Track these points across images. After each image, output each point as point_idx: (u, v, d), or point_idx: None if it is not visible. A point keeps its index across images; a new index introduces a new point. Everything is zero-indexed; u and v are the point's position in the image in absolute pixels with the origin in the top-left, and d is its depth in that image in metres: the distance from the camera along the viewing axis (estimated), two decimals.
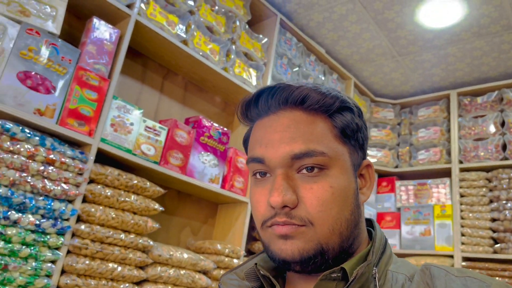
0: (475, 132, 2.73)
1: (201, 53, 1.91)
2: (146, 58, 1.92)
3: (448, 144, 2.83)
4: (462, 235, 2.56)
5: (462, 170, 2.70)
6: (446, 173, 2.78)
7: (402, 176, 3.04)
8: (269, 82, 2.21)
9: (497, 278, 2.34)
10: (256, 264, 0.63)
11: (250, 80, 2.13)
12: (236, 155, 2.00)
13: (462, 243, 2.53)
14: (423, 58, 2.67)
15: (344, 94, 0.63)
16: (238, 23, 2.13)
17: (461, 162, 2.71)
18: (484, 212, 2.53)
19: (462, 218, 2.60)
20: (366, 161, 0.63)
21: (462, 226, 2.58)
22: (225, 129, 1.99)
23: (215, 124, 1.95)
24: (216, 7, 2.05)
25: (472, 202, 2.59)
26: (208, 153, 1.88)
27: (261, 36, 2.26)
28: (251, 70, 2.16)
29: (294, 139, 0.56)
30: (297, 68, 2.46)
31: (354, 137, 0.60)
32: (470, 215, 2.57)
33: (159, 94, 1.97)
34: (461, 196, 2.65)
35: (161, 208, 1.61)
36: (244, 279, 0.64)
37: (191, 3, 1.90)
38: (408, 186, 2.92)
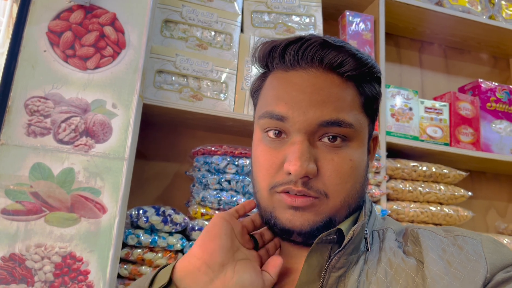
0: None
1: (460, 9, 1.64)
2: (396, 37, 1.77)
3: None
4: None
5: None
6: None
7: None
8: None
9: None
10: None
11: None
12: None
13: None
14: None
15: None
16: None
17: None
18: None
19: None
20: (375, 133, 0.61)
21: None
22: None
23: (499, 85, 1.63)
24: None
25: None
26: (501, 120, 1.58)
27: None
28: None
29: (324, 104, 0.51)
30: None
31: (375, 108, 0.57)
32: None
33: (420, 70, 1.78)
34: None
35: (469, 194, 1.41)
36: None
37: None
38: None
